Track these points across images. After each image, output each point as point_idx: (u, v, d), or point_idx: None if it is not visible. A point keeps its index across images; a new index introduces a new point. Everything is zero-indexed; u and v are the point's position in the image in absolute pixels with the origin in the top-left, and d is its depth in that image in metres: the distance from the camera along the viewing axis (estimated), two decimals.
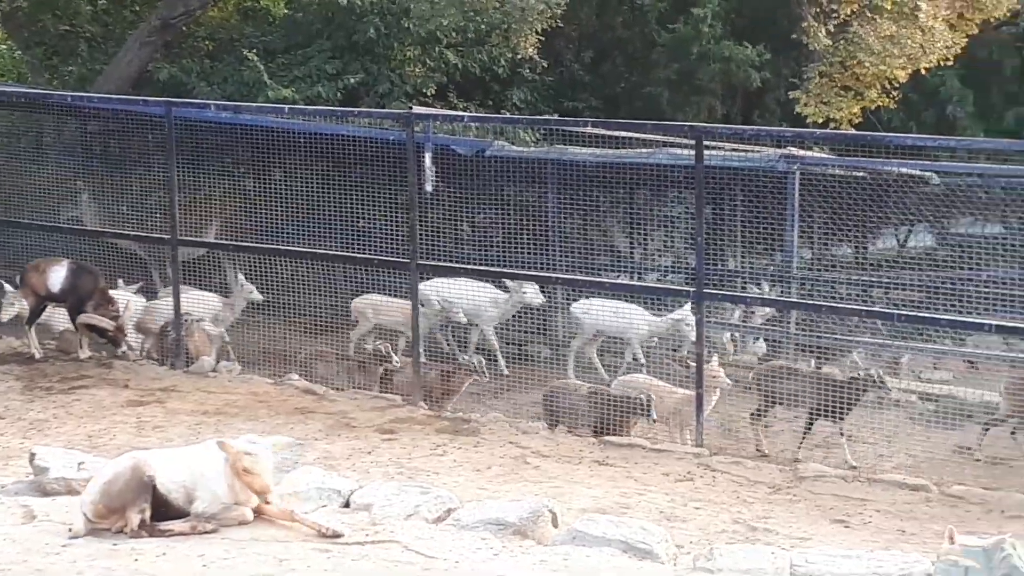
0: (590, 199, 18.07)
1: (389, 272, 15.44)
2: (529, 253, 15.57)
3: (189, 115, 16.20)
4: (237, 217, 17.50)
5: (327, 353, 15.07)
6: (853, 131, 23.53)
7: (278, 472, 8.83)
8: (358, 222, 15.40)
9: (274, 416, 12.62)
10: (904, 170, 17.31)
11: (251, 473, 7.17)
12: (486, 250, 17.18)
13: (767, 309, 17.71)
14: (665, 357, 16.15)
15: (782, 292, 17.43)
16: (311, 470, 8.65)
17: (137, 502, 7.14)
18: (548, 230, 17.11)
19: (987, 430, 13.28)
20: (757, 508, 10.22)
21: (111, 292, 15.24)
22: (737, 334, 18.19)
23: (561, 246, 17.24)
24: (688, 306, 14.95)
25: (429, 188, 14.25)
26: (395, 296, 15.85)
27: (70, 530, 7.17)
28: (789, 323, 16.81)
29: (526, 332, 17.51)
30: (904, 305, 16.16)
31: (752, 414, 13.45)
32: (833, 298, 16.55)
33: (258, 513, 7.39)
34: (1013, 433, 13.21)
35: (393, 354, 14.45)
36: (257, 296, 16.20)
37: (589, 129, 16.24)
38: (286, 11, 23.77)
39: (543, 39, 23.03)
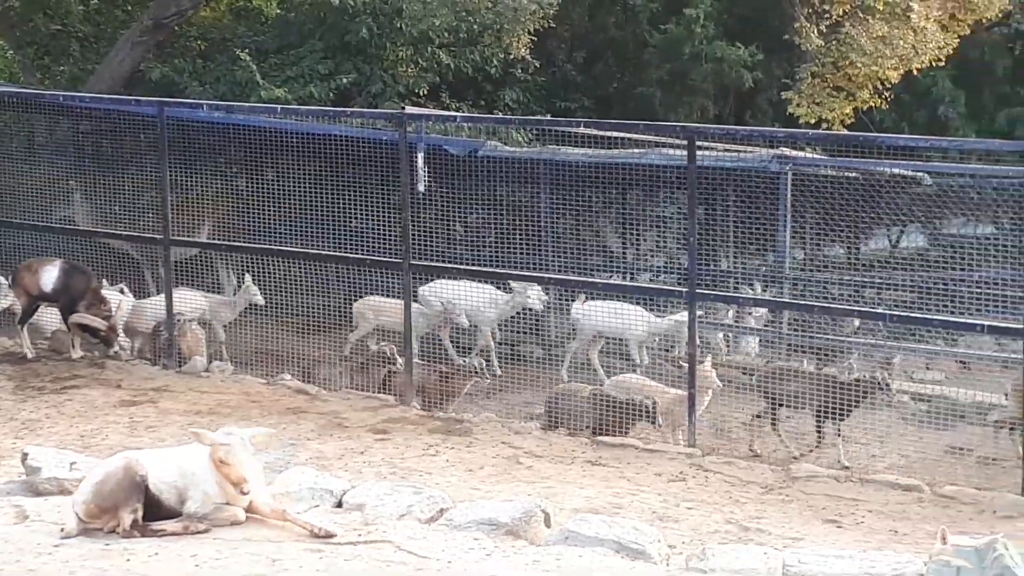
0: (583, 199, 18.06)
1: (382, 272, 15.43)
2: (522, 253, 15.56)
3: (181, 115, 16.19)
4: (230, 217, 17.47)
5: (330, 355, 15.04)
6: (845, 132, 23.55)
7: (270, 472, 8.85)
8: (351, 222, 15.38)
9: (267, 416, 12.61)
10: (896, 171, 17.34)
11: (226, 464, 7.14)
12: (479, 250, 17.17)
13: (762, 309, 17.71)
14: (657, 357, 16.18)
15: (775, 293, 17.44)
16: (304, 470, 8.64)
17: (129, 502, 7.14)
18: (541, 230, 17.10)
19: (1001, 429, 13.27)
20: (750, 508, 10.23)
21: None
22: (729, 334, 18.18)
23: (554, 246, 17.24)
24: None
25: (422, 188, 14.26)
26: (397, 298, 15.83)
27: (62, 530, 7.16)
28: (782, 323, 16.83)
29: (519, 332, 17.51)
30: (896, 305, 16.18)
31: (756, 416, 13.44)
32: (825, 298, 16.56)
33: (250, 512, 7.38)
34: (1012, 430, 13.21)
35: (397, 356, 14.40)
36: (259, 299, 16.19)
37: (582, 129, 16.24)
38: (278, 11, 23.77)
39: (535, 39, 23.04)
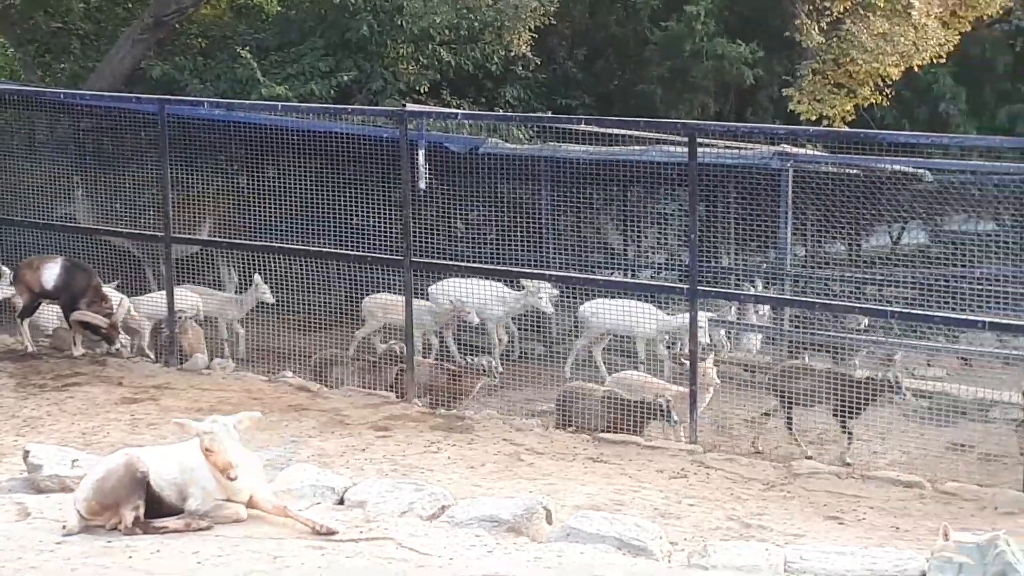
0: (584, 196, 18.06)
1: (383, 269, 15.43)
2: (523, 250, 15.56)
3: (182, 112, 16.19)
4: (230, 214, 17.48)
5: (341, 354, 15.01)
6: (846, 128, 23.52)
7: (272, 469, 8.86)
8: (352, 219, 15.38)
9: (268, 413, 12.56)
10: (897, 167, 17.32)
11: (211, 451, 7.15)
12: (480, 247, 17.15)
13: (766, 307, 17.71)
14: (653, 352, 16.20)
15: (776, 289, 17.43)
16: (305, 467, 8.64)
17: (131, 499, 7.14)
18: (542, 227, 17.10)
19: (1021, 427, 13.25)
20: (751, 505, 10.23)
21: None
22: (731, 331, 18.18)
23: (555, 243, 17.24)
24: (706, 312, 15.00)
25: (423, 185, 14.26)
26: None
27: (64, 527, 7.16)
28: (783, 320, 16.82)
29: (520, 329, 17.50)
30: (897, 302, 16.17)
31: (764, 414, 13.44)
32: (827, 295, 16.55)
33: (251, 508, 7.39)
34: (1020, 425, 13.19)
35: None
36: (269, 298, 16.18)
37: (582, 126, 16.22)
38: (279, 8, 23.74)
39: (536, 36, 23.03)
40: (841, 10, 24.78)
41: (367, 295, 16.19)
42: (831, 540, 8.76)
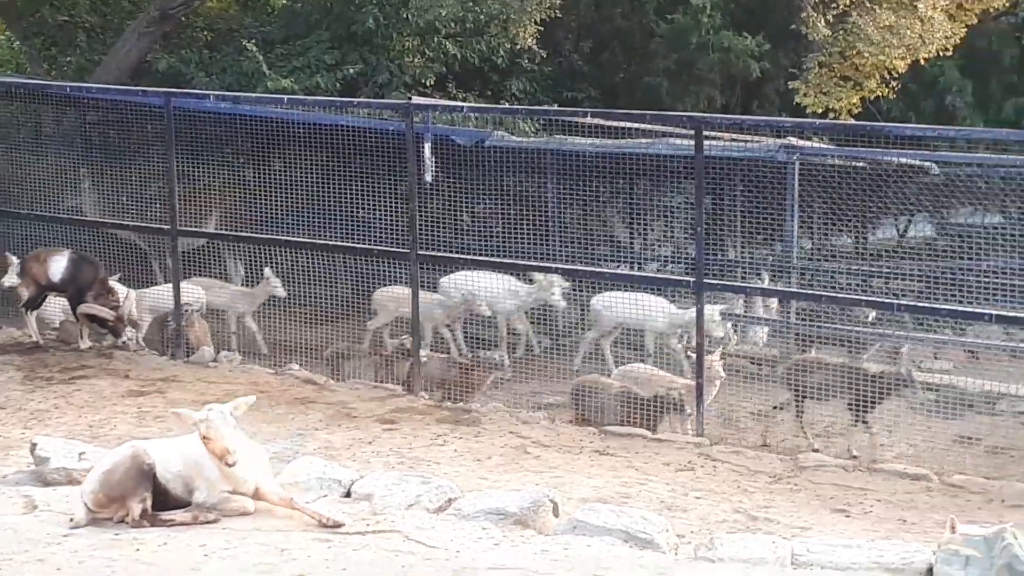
0: (590, 189, 18.04)
1: (389, 262, 15.44)
2: (529, 243, 15.54)
3: (188, 105, 16.20)
4: (237, 207, 17.49)
5: (355, 348, 14.98)
6: (852, 121, 23.48)
7: (279, 462, 8.86)
8: (358, 212, 15.38)
9: (275, 406, 12.62)
10: (903, 160, 17.29)
11: (208, 439, 7.17)
12: (486, 240, 17.15)
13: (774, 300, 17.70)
14: (665, 347, 16.18)
15: (782, 282, 17.40)
16: (312, 460, 8.66)
17: (137, 491, 7.16)
18: (548, 220, 17.09)
19: None
20: (758, 498, 10.22)
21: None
22: (736, 324, 18.15)
23: (561, 236, 17.22)
24: (717, 304, 15.02)
25: (429, 178, 14.25)
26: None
27: (71, 520, 7.19)
28: (790, 313, 16.80)
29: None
30: (904, 295, 16.15)
31: (775, 408, 13.43)
32: (833, 288, 16.53)
33: (256, 499, 7.40)
34: None
35: (423, 350, 14.30)
36: (281, 291, 16.17)
37: (588, 119, 16.21)
38: (285, 2, 23.79)
39: (542, 29, 23.00)
40: (847, 3, 24.74)
41: (372, 288, 16.17)
42: (838, 533, 8.76)
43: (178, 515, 7.24)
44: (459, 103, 19.95)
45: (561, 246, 16.82)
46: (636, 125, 17.07)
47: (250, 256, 16.39)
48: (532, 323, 17.27)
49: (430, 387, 13.97)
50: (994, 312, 12.41)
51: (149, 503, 7.19)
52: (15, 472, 8.63)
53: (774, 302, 17.93)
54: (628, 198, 19.95)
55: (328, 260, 16.15)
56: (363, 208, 15.31)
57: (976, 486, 10.96)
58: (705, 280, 12.98)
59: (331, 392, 13.49)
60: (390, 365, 14.45)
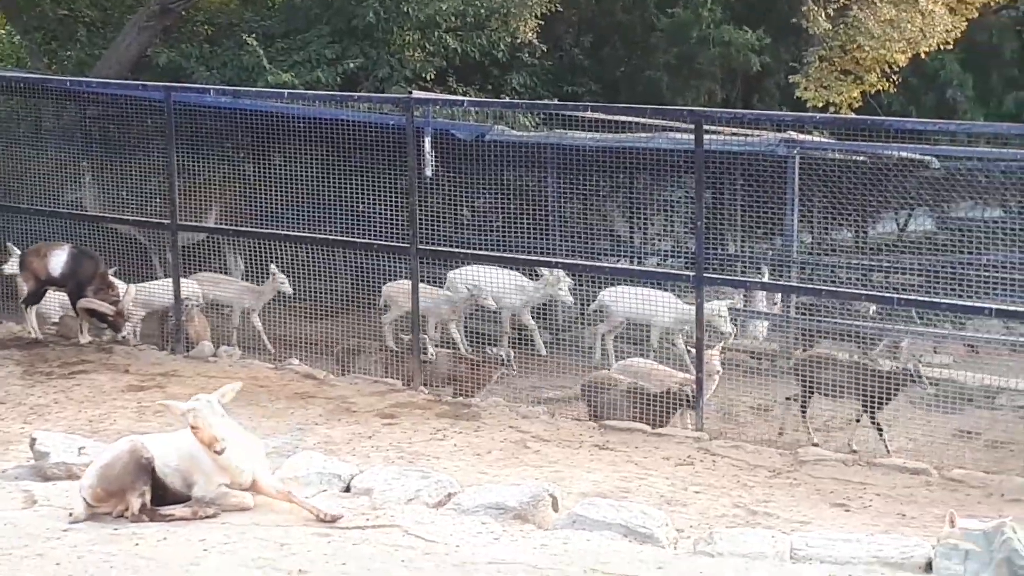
0: (590, 184, 18.04)
1: (389, 257, 15.43)
2: (529, 237, 15.55)
3: (188, 100, 16.18)
4: (237, 202, 17.49)
5: (366, 344, 14.96)
6: (853, 115, 23.47)
7: (279, 457, 8.87)
8: (358, 207, 15.38)
9: (275, 401, 12.63)
10: (904, 154, 17.29)
11: (197, 428, 7.18)
12: (486, 235, 17.16)
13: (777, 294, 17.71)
14: (666, 341, 16.18)
15: (782, 277, 17.41)
16: (312, 455, 8.66)
17: (136, 485, 7.16)
18: (548, 215, 17.09)
19: None
20: (757, 492, 10.23)
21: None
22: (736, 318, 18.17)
23: (561, 230, 17.23)
24: (732, 298, 15.00)
25: (429, 173, 14.24)
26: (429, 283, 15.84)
27: (71, 515, 7.18)
28: (789, 307, 16.81)
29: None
30: (904, 289, 16.15)
31: (788, 399, 13.44)
32: (834, 282, 16.53)
33: (254, 491, 7.41)
34: None
35: (430, 346, 14.28)
36: (288, 288, 16.15)
37: (589, 114, 16.20)
38: None
39: (542, 23, 22.98)
40: None
41: (372, 282, 16.12)
42: (837, 527, 8.76)
43: (177, 511, 7.23)
44: (459, 97, 19.94)
45: (561, 240, 16.83)
46: (637, 119, 17.08)
47: (250, 251, 16.37)
48: (533, 318, 17.26)
49: (438, 383, 13.97)
50: (994, 306, 12.42)
51: (148, 497, 7.19)
52: (15, 467, 8.62)
53: (777, 296, 17.93)
54: (628, 192, 19.95)
55: (328, 255, 16.15)
56: (363, 202, 15.31)
57: (975, 480, 10.96)
58: (705, 274, 12.97)
59: (331, 387, 13.50)
60: (399, 361, 14.40)
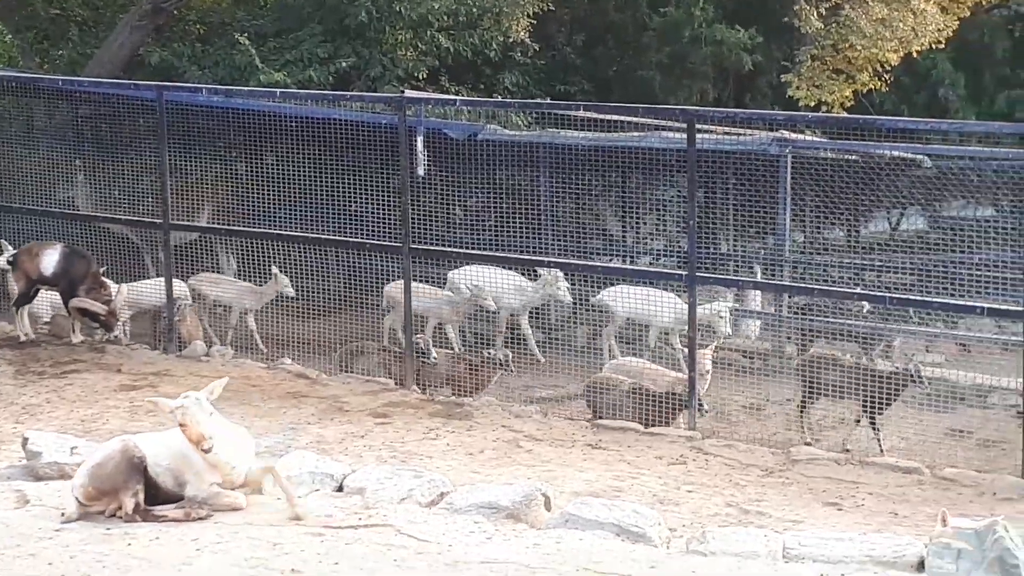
0: (583, 183, 18.05)
1: (382, 256, 15.42)
2: (522, 237, 15.55)
3: (180, 99, 16.16)
4: (229, 201, 17.47)
5: (368, 345, 14.93)
6: (845, 114, 23.49)
7: (270, 456, 8.87)
8: (350, 206, 15.37)
9: (267, 400, 12.62)
10: (896, 153, 17.31)
11: (185, 425, 7.20)
12: (479, 234, 17.15)
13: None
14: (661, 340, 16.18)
15: (774, 275, 17.43)
16: (304, 454, 8.66)
17: (128, 484, 7.16)
18: (541, 214, 17.09)
19: None
20: (750, 491, 10.24)
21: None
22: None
23: (554, 230, 17.23)
24: (726, 299, 15.00)
25: (421, 172, 14.25)
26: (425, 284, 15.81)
27: (63, 515, 7.18)
28: (781, 306, 16.82)
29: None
30: (896, 288, 16.17)
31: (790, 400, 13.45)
32: (826, 281, 16.55)
33: (249, 486, 7.43)
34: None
35: (432, 349, 14.24)
36: (290, 290, 16.10)
37: (581, 113, 16.20)
38: None
39: (535, 22, 22.94)
40: None
41: (365, 282, 16.06)
42: (830, 526, 8.77)
43: (170, 511, 7.23)
44: (452, 97, 19.92)
45: (554, 239, 16.82)
46: (629, 119, 17.08)
47: (242, 250, 16.35)
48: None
49: (438, 385, 13.95)
50: (986, 305, 12.43)
51: (141, 496, 7.19)
52: (7, 467, 8.62)
53: (758, 295, 17.94)
54: (621, 191, 19.95)
55: (320, 254, 16.13)
56: (356, 202, 15.30)
57: (968, 479, 10.98)
58: (697, 274, 12.98)
59: (323, 386, 13.49)
60: (401, 363, 14.37)
